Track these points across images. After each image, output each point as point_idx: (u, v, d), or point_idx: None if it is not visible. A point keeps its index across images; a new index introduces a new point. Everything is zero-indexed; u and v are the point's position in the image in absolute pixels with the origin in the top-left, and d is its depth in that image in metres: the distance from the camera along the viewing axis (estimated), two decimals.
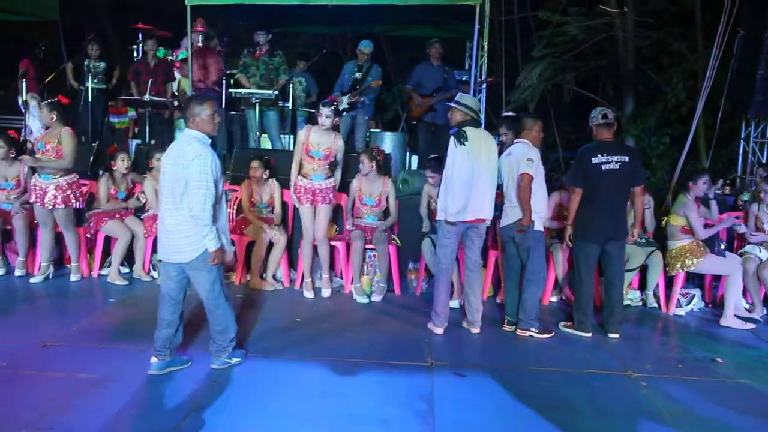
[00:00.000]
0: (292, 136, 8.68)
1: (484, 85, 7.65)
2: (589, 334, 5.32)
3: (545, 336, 5.25)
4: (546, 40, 8.64)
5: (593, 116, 5.36)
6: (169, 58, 9.66)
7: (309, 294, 6.18)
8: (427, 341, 5.07)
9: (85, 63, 8.60)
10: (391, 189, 6.45)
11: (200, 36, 8.68)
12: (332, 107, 5.98)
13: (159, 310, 4.23)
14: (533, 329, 5.26)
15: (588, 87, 9.81)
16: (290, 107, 8.39)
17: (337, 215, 6.71)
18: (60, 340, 4.78)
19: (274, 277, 6.50)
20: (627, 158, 5.20)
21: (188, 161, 3.91)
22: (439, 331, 5.23)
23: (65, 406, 3.74)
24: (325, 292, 6.22)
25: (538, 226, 5.21)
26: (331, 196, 6.11)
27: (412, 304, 6.12)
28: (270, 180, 6.58)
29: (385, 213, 6.55)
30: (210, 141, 4.10)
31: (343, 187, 6.52)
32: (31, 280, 6.28)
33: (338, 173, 6.26)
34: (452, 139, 5.02)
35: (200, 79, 8.31)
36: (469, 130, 5.00)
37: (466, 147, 4.93)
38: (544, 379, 4.46)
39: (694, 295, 6.18)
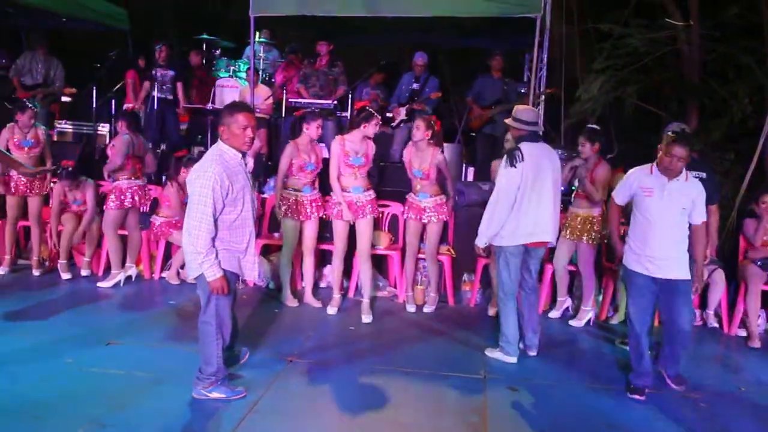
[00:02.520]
0: None
1: (542, 97, 7.59)
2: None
3: None
4: (607, 52, 8.50)
5: (668, 130, 5.28)
6: (232, 68, 9.87)
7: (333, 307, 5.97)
8: (480, 354, 5.03)
9: (153, 72, 8.84)
10: (443, 160, 5.90)
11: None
12: (378, 118, 5.73)
13: None
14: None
15: (650, 101, 9.59)
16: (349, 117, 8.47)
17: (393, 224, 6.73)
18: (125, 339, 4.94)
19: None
20: (704, 174, 5.10)
21: (193, 179, 3.70)
22: (513, 360, 4.89)
23: (125, 404, 3.85)
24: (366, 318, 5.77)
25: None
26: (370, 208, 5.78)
27: (466, 316, 6.11)
28: None
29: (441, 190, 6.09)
30: (240, 156, 3.81)
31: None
32: (99, 284, 6.41)
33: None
34: (504, 158, 4.75)
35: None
36: (526, 146, 4.70)
37: (518, 169, 4.62)
38: (602, 396, 4.38)
39: (759, 316, 5.97)
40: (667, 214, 4.27)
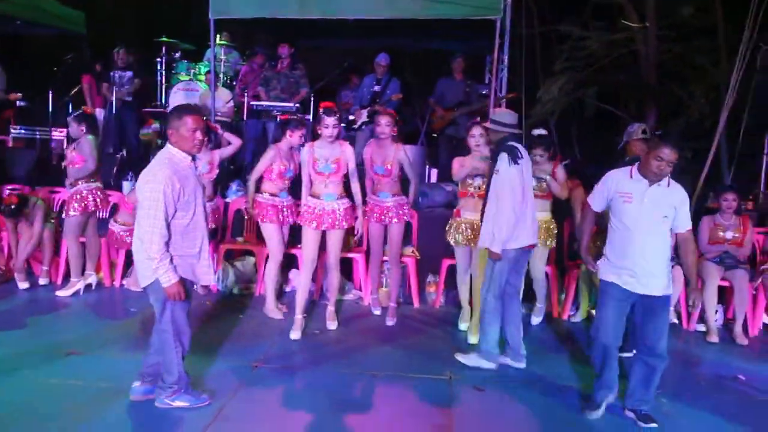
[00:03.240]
0: None
1: (503, 100, 7.65)
2: None
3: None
4: (566, 54, 8.63)
5: (631, 131, 5.39)
6: (192, 71, 9.77)
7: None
8: (445, 355, 5.05)
9: (112, 74, 8.71)
10: (405, 156, 5.71)
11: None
12: (335, 115, 5.27)
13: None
14: None
15: (608, 101, 9.77)
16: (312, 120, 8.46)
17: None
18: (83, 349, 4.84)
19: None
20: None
21: (142, 183, 3.59)
22: (493, 366, 4.74)
23: (88, 416, 3.78)
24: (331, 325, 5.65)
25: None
26: (344, 220, 5.40)
27: (431, 317, 6.13)
28: None
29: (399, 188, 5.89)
30: (190, 159, 3.74)
31: None
32: (58, 293, 6.29)
33: (355, 187, 5.50)
34: (503, 157, 4.45)
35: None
36: (519, 147, 4.57)
37: (520, 165, 4.47)
38: (568, 396, 4.43)
39: (716, 311, 6.10)
40: (647, 221, 3.89)
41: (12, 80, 8.92)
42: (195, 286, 4.03)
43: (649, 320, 3.99)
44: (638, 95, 10.36)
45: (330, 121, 5.23)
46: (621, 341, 4.08)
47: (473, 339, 5.28)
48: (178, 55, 10.13)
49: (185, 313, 3.84)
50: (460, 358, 4.88)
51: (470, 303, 5.67)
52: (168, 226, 3.59)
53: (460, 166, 5.48)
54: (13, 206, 6.27)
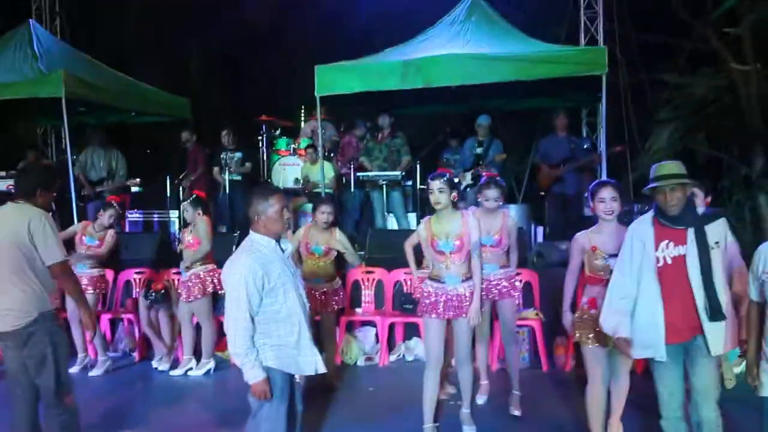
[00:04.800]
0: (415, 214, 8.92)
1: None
2: None
3: None
4: (674, 101, 8.50)
5: None
6: (292, 146, 10.08)
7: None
8: None
9: (222, 155, 9.07)
10: (514, 224, 5.20)
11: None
12: (444, 179, 4.36)
13: None
14: None
15: (716, 147, 9.52)
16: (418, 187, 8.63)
17: None
18: None
19: None
20: None
21: (226, 275, 3.45)
22: None
23: None
24: None
25: None
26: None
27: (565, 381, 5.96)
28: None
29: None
30: (274, 242, 3.48)
31: None
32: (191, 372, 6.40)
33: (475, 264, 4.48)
34: (722, 225, 3.55)
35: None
36: None
37: None
38: None
39: None
40: None
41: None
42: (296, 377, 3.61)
43: None
44: (743, 139, 10.06)
45: (436, 185, 4.34)
46: None
47: None
48: (278, 132, 10.50)
49: (283, 410, 3.45)
50: None
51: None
52: (256, 316, 3.37)
53: (582, 250, 4.21)
54: (160, 293, 6.49)
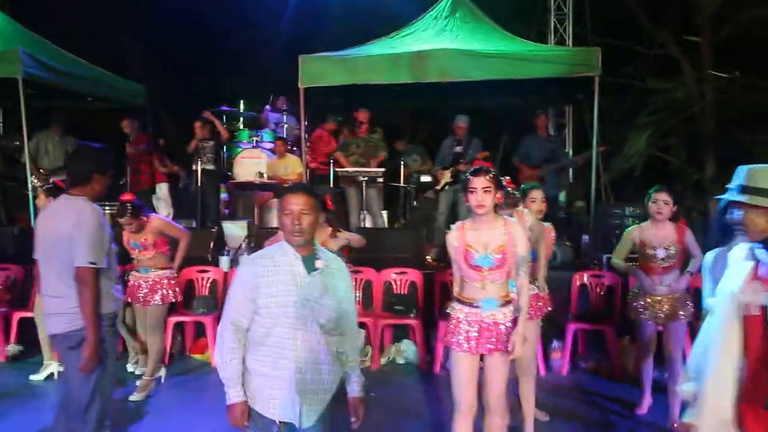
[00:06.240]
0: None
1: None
2: None
3: None
4: (651, 106, 8.64)
5: None
6: (255, 138, 9.68)
7: None
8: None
9: (197, 144, 8.58)
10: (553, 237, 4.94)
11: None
12: (490, 175, 3.44)
13: None
14: None
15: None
16: (403, 185, 8.43)
17: None
18: None
19: None
20: None
21: None
22: None
23: None
24: None
25: None
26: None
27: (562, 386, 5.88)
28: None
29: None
30: (296, 256, 2.82)
31: None
32: None
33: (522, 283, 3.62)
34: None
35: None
36: None
37: None
38: None
39: None
40: None
41: None
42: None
43: None
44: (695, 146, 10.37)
45: (480, 183, 3.42)
46: None
47: None
48: (239, 123, 10.07)
49: None
50: None
51: None
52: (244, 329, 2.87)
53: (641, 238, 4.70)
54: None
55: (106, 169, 3.63)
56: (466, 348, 3.48)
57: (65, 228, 3.37)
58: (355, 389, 2.98)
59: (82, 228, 3.36)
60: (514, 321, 3.50)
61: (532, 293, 4.16)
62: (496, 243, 3.46)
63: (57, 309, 3.43)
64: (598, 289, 6.41)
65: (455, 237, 3.58)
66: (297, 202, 2.74)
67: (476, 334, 3.47)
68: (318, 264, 2.80)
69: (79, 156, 3.82)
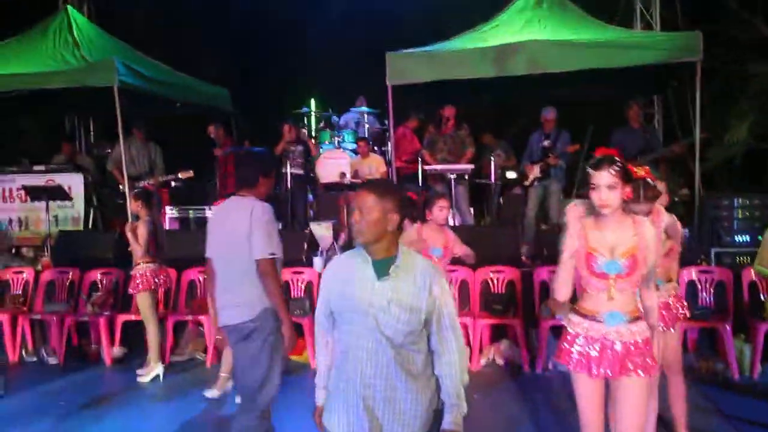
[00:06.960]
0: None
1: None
2: None
3: None
4: (752, 93, 8.21)
5: None
6: (336, 138, 9.68)
7: None
8: None
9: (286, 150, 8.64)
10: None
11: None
12: (617, 167, 2.91)
13: None
14: None
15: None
16: (493, 182, 8.29)
17: None
18: None
19: None
20: None
21: None
22: None
23: None
24: None
25: None
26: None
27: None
28: None
29: None
30: (365, 259, 2.57)
31: None
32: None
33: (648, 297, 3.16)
34: None
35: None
36: None
37: None
38: None
39: None
40: None
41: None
42: None
43: None
44: None
45: (604, 178, 2.91)
46: None
47: None
48: (321, 124, 10.09)
49: None
50: None
51: None
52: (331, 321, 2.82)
53: None
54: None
55: (270, 171, 3.89)
56: (583, 370, 3.02)
57: (240, 224, 3.55)
58: (447, 420, 2.47)
59: (258, 222, 3.54)
60: (646, 341, 3.01)
61: (662, 300, 3.69)
62: (625, 246, 2.96)
63: (230, 302, 3.64)
64: (708, 285, 6.11)
65: (576, 236, 3.03)
66: (360, 200, 2.48)
67: (596, 354, 2.98)
68: (391, 269, 2.47)
69: (245, 162, 3.99)
